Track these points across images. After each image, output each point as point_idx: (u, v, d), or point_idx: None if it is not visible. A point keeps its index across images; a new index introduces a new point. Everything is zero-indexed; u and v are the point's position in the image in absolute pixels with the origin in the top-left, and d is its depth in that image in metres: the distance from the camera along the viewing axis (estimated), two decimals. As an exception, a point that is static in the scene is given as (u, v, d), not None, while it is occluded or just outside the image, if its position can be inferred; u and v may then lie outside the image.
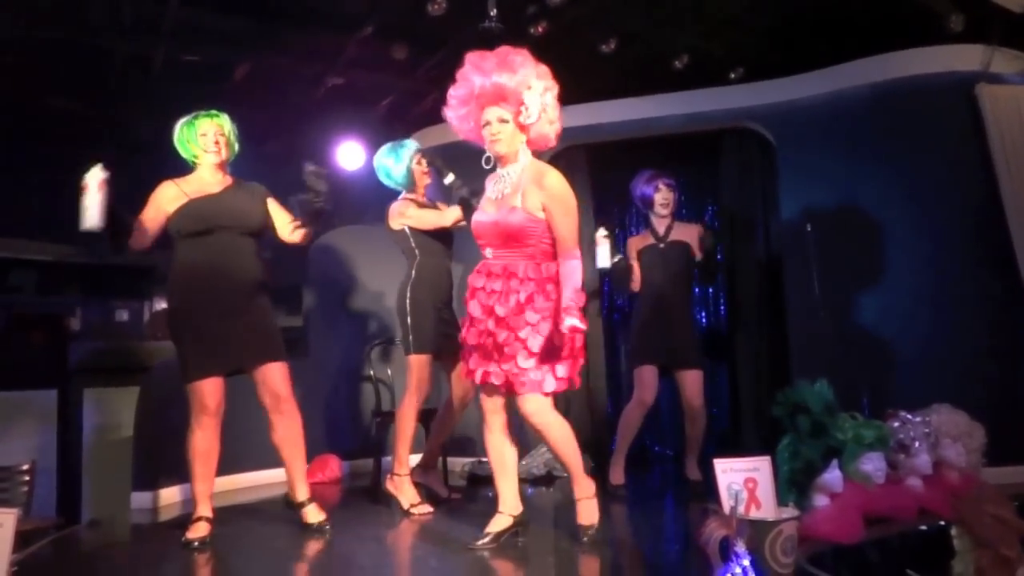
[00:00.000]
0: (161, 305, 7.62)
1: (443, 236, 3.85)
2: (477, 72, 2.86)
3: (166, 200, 3.23)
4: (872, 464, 3.05)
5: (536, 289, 2.85)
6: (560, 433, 2.93)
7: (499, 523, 3.00)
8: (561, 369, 2.86)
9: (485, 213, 2.97)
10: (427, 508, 3.69)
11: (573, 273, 2.84)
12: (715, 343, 5.35)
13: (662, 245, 4.29)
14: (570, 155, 5.40)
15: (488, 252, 2.96)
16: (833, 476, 2.94)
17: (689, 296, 4.43)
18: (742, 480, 2.71)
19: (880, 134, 4.64)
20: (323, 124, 5.21)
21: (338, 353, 5.26)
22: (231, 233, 3.22)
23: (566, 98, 5.03)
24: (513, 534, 3.02)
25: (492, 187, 3.02)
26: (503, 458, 3.05)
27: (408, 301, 3.72)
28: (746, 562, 2.12)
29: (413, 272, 3.76)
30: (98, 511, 4.91)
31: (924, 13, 4.30)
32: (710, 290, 5.69)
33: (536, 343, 2.80)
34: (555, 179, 2.89)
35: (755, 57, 4.68)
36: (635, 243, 4.43)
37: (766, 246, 5.11)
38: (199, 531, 3.13)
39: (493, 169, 3.05)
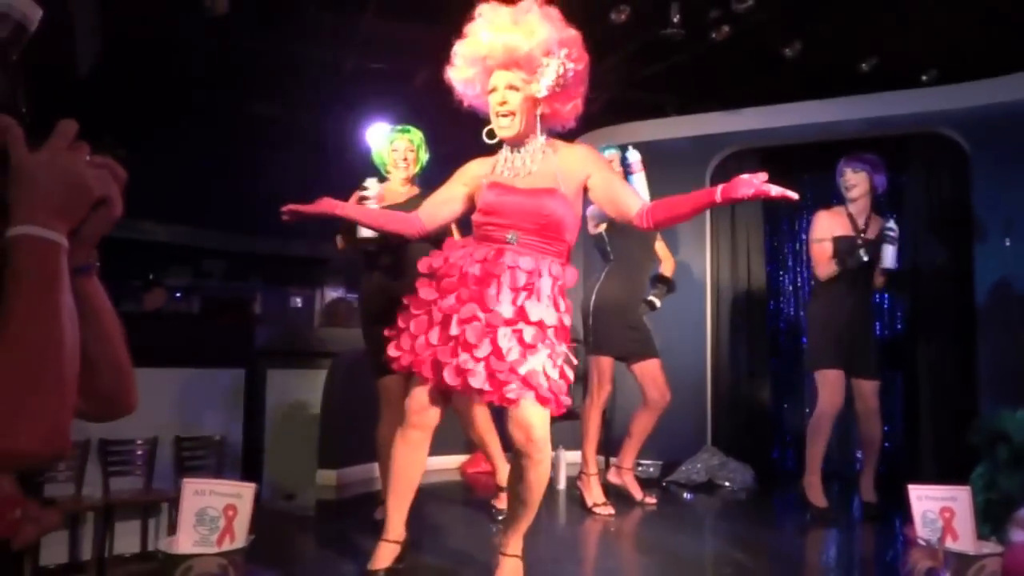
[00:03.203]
0: (333, 295, 8.15)
1: (642, 240, 3.88)
2: (488, 27, 2.38)
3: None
4: (1078, 500, 2.83)
5: (560, 291, 2.42)
6: (548, 465, 2.37)
7: (387, 554, 2.58)
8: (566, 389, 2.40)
9: (509, 190, 2.43)
10: (610, 509, 3.76)
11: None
12: (893, 353, 5.06)
13: (859, 240, 3.81)
14: (742, 158, 5.31)
15: (511, 236, 2.39)
16: (1034, 511, 2.75)
17: (872, 299, 4.07)
18: (938, 509, 2.61)
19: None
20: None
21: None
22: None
23: (741, 100, 5.02)
24: (398, 559, 2.62)
25: (504, 165, 2.51)
26: (416, 476, 2.60)
27: (593, 303, 3.82)
28: (952, 596, 2.04)
29: (603, 275, 3.85)
30: (281, 485, 5.32)
31: None
32: (886, 301, 5.40)
33: (560, 353, 2.37)
34: (588, 150, 2.53)
35: (949, 58, 4.39)
36: (831, 223, 3.87)
37: (955, 259, 4.79)
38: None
39: (498, 145, 2.55)
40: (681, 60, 4.52)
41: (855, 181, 3.86)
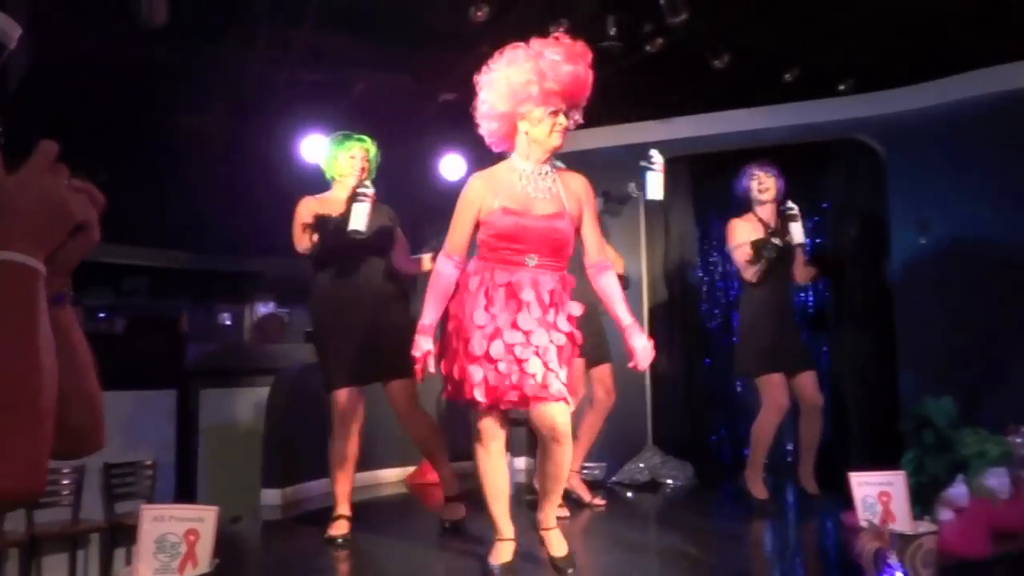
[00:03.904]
0: (263, 310, 7.97)
1: None
2: (584, 65, 2.67)
3: (310, 217, 3.40)
4: (996, 479, 3.03)
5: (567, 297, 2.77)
6: (571, 445, 2.73)
7: (506, 551, 2.81)
8: None
9: (524, 215, 2.69)
10: (564, 511, 3.74)
11: (617, 286, 2.86)
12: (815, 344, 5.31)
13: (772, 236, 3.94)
14: (674, 164, 5.44)
15: (530, 260, 2.68)
16: (959, 491, 2.94)
17: (793, 298, 4.30)
18: (876, 493, 2.76)
19: (997, 146, 4.55)
20: (431, 138, 5.42)
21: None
22: (365, 252, 3.35)
23: (672, 110, 5.17)
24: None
25: (522, 182, 2.74)
26: (504, 483, 2.85)
27: None
28: (899, 574, 2.17)
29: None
30: (222, 508, 5.17)
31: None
32: (810, 297, 5.66)
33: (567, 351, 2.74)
34: (586, 183, 2.83)
35: (866, 68, 4.65)
36: (744, 229, 4.03)
37: (873, 257, 5.06)
38: (340, 529, 3.29)
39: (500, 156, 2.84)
40: (615, 71, 4.63)
41: (768, 184, 4.04)
